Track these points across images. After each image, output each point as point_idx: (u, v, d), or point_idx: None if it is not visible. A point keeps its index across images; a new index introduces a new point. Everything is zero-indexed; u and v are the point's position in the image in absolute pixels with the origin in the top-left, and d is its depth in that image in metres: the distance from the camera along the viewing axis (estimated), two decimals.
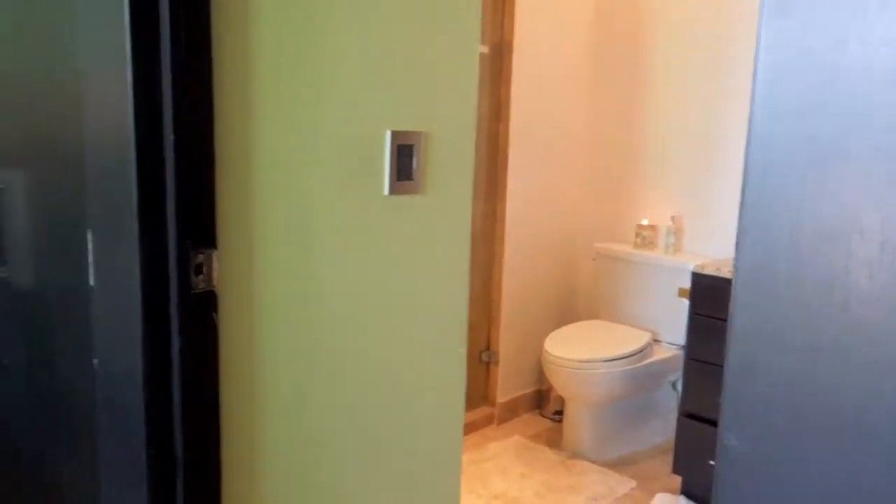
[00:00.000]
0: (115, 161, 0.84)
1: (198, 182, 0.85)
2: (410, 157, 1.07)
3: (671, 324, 2.74)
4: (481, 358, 2.95)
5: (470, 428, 2.83)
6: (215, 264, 0.89)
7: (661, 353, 2.72)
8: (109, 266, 0.90)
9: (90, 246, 0.92)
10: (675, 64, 2.79)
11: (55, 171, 1.00)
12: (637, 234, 2.89)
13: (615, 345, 2.62)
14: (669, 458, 2.46)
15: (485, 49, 2.70)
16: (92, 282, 0.93)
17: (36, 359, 1.11)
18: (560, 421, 2.88)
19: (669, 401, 2.79)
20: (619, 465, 2.64)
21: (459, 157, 1.14)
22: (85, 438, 1.02)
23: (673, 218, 2.81)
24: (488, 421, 2.95)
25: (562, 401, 2.82)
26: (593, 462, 2.63)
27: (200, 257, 0.87)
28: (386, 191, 1.05)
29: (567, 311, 3.20)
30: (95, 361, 0.95)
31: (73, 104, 0.93)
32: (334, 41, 0.97)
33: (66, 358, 1.03)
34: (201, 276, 0.88)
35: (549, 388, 3.03)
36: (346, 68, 0.98)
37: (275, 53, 0.91)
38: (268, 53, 0.91)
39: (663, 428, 2.80)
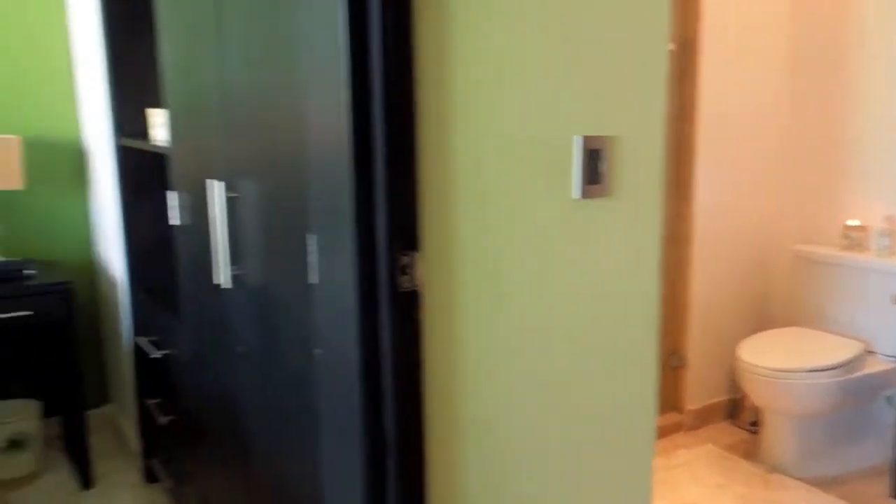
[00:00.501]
0: (333, 173, 0.95)
1: (404, 190, 0.94)
2: (599, 160, 1.09)
3: (886, 333, 2.50)
4: (669, 362, 2.87)
5: (657, 433, 2.76)
6: (419, 265, 0.97)
7: (876, 366, 2.48)
8: (328, 266, 1.01)
9: (311, 248, 1.05)
10: (885, 52, 2.54)
11: (281, 180, 1.14)
12: (844, 236, 2.66)
13: (820, 354, 2.44)
14: (885, 481, 2.25)
15: (672, 46, 2.63)
16: (313, 280, 1.05)
17: (268, 348, 1.27)
18: (756, 432, 2.72)
19: (885, 417, 2.54)
20: (825, 484, 2.45)
21: (648, 160, 1.15)
22: (307, 419, 1.15)
23: (888, 218, 2.57)
24: (676, 428, 2.86)
25: (757, 411, 2.67)
26: (796, 478, 2.46)
27: (406, 259, 0.96)
28: (576, 194, 1.08)
29: (762, 316, 3.02)
30: (317, 351, 1.07)
31: (296, 121, 1.05)
32: (525, 45, 1.01)
33: (293, 347, 1.17)
34: (406, 276, 0.97)
35: (744, 398, 2.87)
36: (536, 72, 1.03)
37: (469, 61, 0.98)
38: (462, 62, 0.97)
39: (878, 447, 2.56)
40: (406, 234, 0.95)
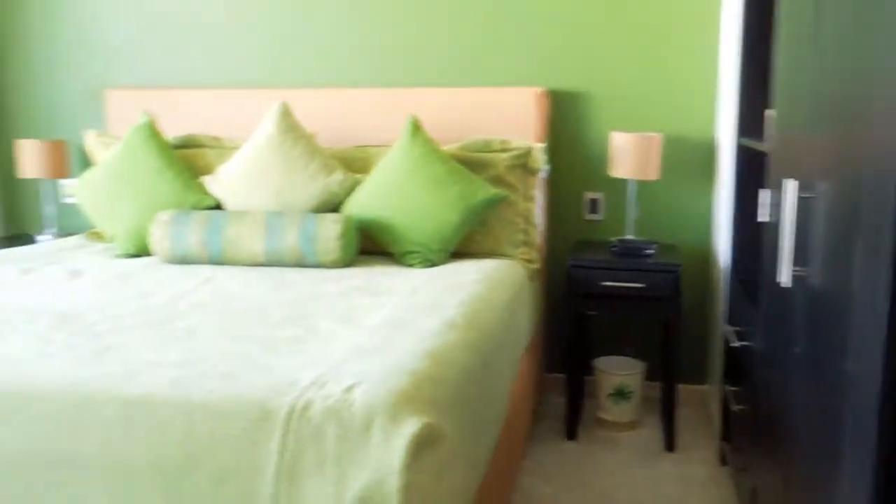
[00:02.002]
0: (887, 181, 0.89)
1: None
2: None
3: None
4: None
5: None
6: None
7: None
8: (866, 274, 0.95)
9: (858, 253, 1.00)
10: None
11: (855, 186, 1.10)
12: None
13: None
14: None
15: None
16: (854, 286, 1.00)
17: (812, 353, 1.25)
18: None
19: None
20: None
21: None
22: (836, 432, 1.10)
23: None
24: None
25: None
26: None
27: None
28: None
29: None
30: (849, 365, 1.02)
31: (883, 128, 1.01)
32: None
33: (830, 355, 1.13)
34: None
35: None
36: None
37: None
38: None
39: None
40: None
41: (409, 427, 1.24)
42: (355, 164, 2.74)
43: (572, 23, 2.91)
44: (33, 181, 3.46)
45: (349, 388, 1.32)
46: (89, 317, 1.82)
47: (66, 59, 3.37)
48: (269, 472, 1.25)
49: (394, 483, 1.21)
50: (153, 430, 1.30)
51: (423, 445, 1.24)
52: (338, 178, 2.61)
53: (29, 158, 3.16)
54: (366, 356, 1.50)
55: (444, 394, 1.40)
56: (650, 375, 3.01)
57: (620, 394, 2.79)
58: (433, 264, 2.45)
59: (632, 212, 2.81)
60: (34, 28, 3.37)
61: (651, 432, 2.80)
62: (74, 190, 2.80)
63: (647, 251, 2.69)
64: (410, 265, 2.45)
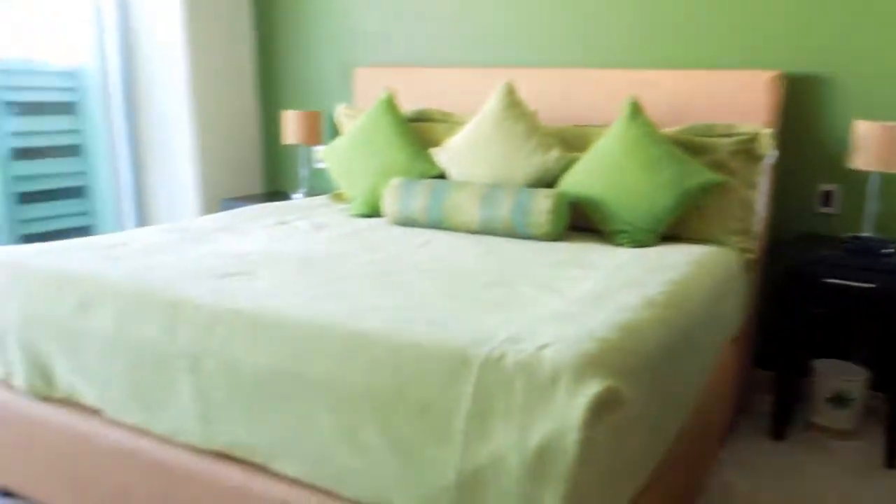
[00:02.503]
0: None
1: None
2: None
3: None
4: None
5: None
6: None
7: None
8: None
9: None
10: None
11: None
12: None
13: None
14: None
15: None
16: None
17: None
18: None
19: None
20: None
21: None
22: None
23: None
24: None
25: None
26: None
27: None
28: None
29: None
30: None
31: None
32: None
33: None
34: None
35: None
36: None
37: None
38: None
39: None
40: None
41: (592, 388, 1.32)
42: (573, 142, 2.81)
43: None
44: (293, 147, 3.96)
45: (541, 347, 1.42)
46: (326, 263, 2.11)
47: (325, 42, 3.80)
48: (462, 410, 1.40)
49: (572, 437, 1.29)
50: (369, 363, 1.51)
51: (603, 406, 1.31)
52: (554, 155, 2.70)
53: (290, 127, 3.64)
54: (561, 321, 1.59)
55: (631, 363, 1.45)
56: (875, 385, 2.75)
57: (839, 400, 2.60)
58: (641, 245, 2.46)
59: (872, 207, 2.58)
60: (300, 15, 3.85)
61: (869, 445, 2.58)
62: (323, 155, 3.18)
63: (886, 250, 2.45)
64: (619, 244, 2.48)
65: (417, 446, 1.45)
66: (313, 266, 2.08)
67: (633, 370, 1.45)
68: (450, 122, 3.10)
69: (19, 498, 2.19)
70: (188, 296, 1.79)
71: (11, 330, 2.02)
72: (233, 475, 1.69)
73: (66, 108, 4.34)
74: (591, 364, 1.36)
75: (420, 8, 3.51)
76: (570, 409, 1.31)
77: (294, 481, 1.63)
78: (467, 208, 2.58)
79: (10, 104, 4.20)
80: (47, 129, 4.38)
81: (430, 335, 1.50)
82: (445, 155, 2.89)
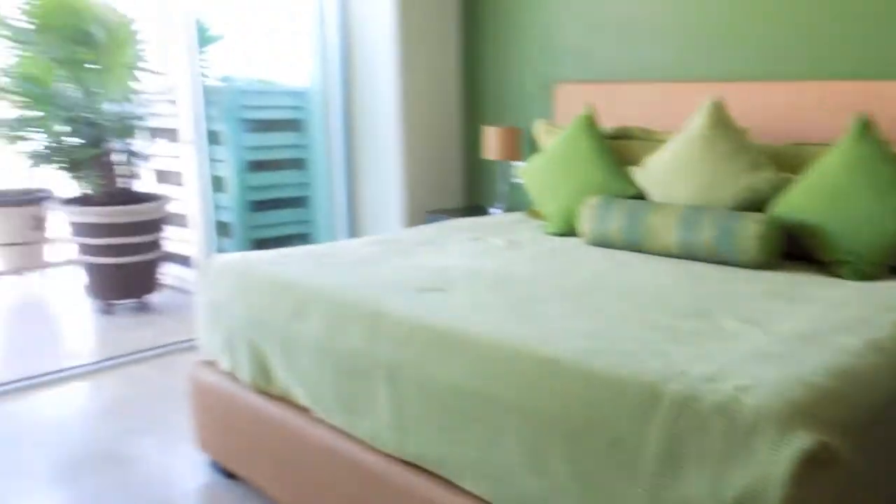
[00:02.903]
0: None
1: None
2: None
3: None
4: None
5: None
6: None
7: None
8: None
9: None
10: None
11: None
12: None
13: None
14: None
15: None
16: None
17: None
18: None
19: None
20: None
21: None
22: None
23: None
24: None
25: None
26: None
27: None
28: None
29: None
30: None
31: None
32: None
33: None
34: None
35: None
36: None
37: None
38: None
39: None
40: None
41: (801, 441, 1.21)
42: (789, 162, 2.59)
43: None
44: (492, 161, 4.06)
45: (741, 389, 1.33)
46: (520, 283, 2.13)
47: (526, 58, 3.85)
48: (652, 449, 1.35)
49: (775, 495, 1.20)
50: (559, 390, 1.50)
51: (814, 463, 1.19)
52: (765, 176, 2.51)
53: (490, 142, 3.72)
54: (766, 360, 1.47)
55: (850, 415, 1.31)
56: None
57: None
58: (868, 278, 2.21)
59: None
60: (502, 33, 3.93)
61: None
62: (522, 172, 3.22)
63: None
64: (839, 275, 2.25)
65: (603, 480, 1.42)
66: (507, 285, 2.11)
67: (854, 423, 1.31)
68: (651, 139, 3.00)
69: (240, 481, 2.45)
70: (388, 308, 1.90)
71: (239, 329, 2.27)
72: (423, 486, 1.76)
73: (293, 125, 4.80)
74: (800, 413, 1.25)
75: (623, 20, 3.43)
76: (774, 464, 1.21)
77: (478, 499, 1.66)
78: (666, 230, 2.48)
79: (247, 121, 4.71)
80: (277, 143, 4.87)
81: (620, 366, 1.46)
82: (645, 174, 2.80)
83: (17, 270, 5.20)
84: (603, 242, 2.66)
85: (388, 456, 1.85)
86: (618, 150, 3.00)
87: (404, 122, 3.98)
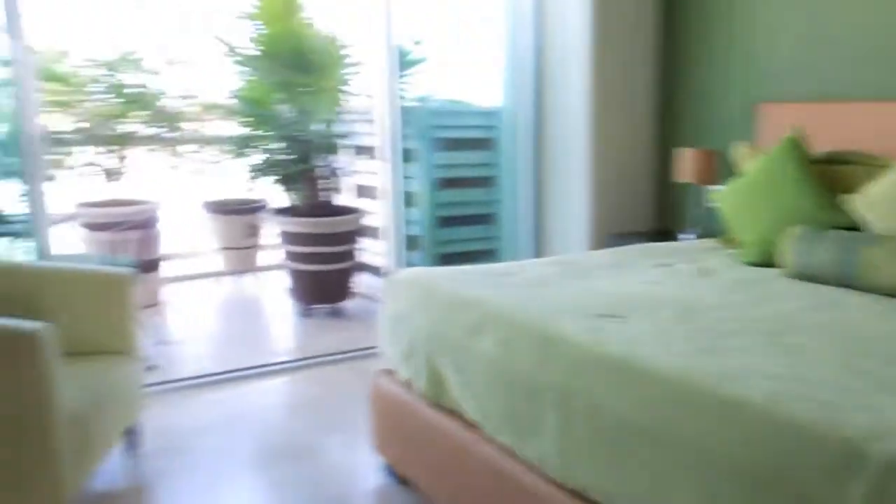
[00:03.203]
0: None
1: None
2: None
3: None
4: None
5: None
6: None
7: None
8: None
9: None
10: None
11: None
12: None
13: None
14: None
15: None
16: None
17: None
18: None
19: None
20: None
21: None
22: None
23: None
24: None
25: None
26: None
27: None
28: None
29: None
30: None
31: None
32: None
33: None
34: None
35: None
36: None
37: None
38: None
39: None
40: None
41: None
42: None
43: None
44: (684, 185, 3.86)
45: None
46: (708, 314, 2.00)
47: (726, 78, 3.63)
48: None
49: None
50: (744, 435, 1.38)
51: None
52: None
53: (685, 165, 3.55)
54: None
55: None
56: None
57: None
58: None
59: None
60: (705, 51, 3.73)
61: None
62: (718, 196, 3.02)
63: None
64: None
65: None
66: (693, 316, 1.98)
67: None
68: (871, 165, 2.68)
69: (412, 487, 2.52)
70: (561, 332, 1.86)
71: (418, 341, 2.34)
72: None
73: (483, 144, 4.90)
74: None
75: (837, 32, 3.11)
76: None
77: None
78: (888, 265, 2.20)
79: (439, 140, 4.89)
80: (467, 162, 5.00)
81: (817, 416, 1.31)
82: (863, 203, 2.51)
83: (235, 272, 5.79)
84: (808, 276, 2.42)
85: (554, 482, 1.81)
86: (828, 175, 2.72)
87: (594, 142, 3.91)
